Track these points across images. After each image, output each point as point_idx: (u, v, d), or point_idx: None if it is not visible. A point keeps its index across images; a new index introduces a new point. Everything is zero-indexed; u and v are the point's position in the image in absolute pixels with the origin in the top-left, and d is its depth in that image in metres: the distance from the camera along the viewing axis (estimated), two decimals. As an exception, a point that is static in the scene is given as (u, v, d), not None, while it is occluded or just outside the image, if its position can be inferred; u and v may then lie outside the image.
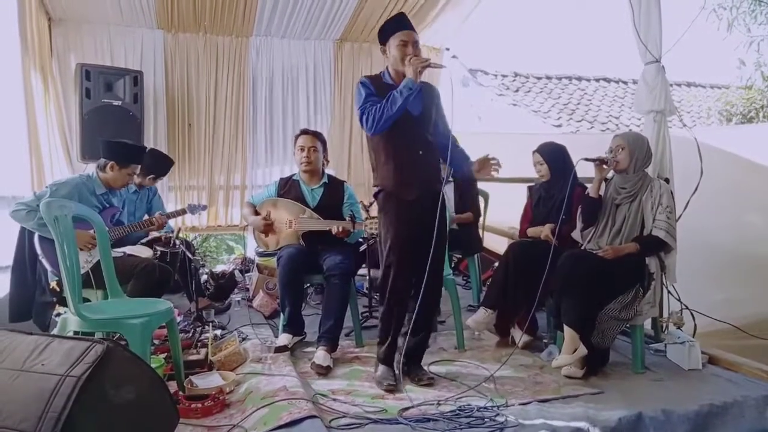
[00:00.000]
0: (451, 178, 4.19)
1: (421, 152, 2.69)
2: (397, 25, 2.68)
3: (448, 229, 3.07)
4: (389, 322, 2.73)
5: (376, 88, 2.65)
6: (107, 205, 3.30)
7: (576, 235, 3.14)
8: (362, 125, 2.63)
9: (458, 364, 2.93)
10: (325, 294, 3.25)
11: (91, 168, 3.91)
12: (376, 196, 2.80)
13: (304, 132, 3.54)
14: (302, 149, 3.47)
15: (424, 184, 2.70)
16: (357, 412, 2.31)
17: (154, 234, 3.71)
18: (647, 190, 2.94)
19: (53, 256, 2.99)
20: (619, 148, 2.96)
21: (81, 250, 2.90)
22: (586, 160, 2.99)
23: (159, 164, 4.16)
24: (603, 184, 3.06)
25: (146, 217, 4.00)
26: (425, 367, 2.79)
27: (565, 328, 2.74)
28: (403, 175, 2.67)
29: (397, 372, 2.70)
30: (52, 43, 4.98)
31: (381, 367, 2.71)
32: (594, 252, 2.91)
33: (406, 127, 2.63)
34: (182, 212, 3.90)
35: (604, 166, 2.99)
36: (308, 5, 5.37)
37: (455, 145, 2.77)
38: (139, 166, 3.50)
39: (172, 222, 4.28)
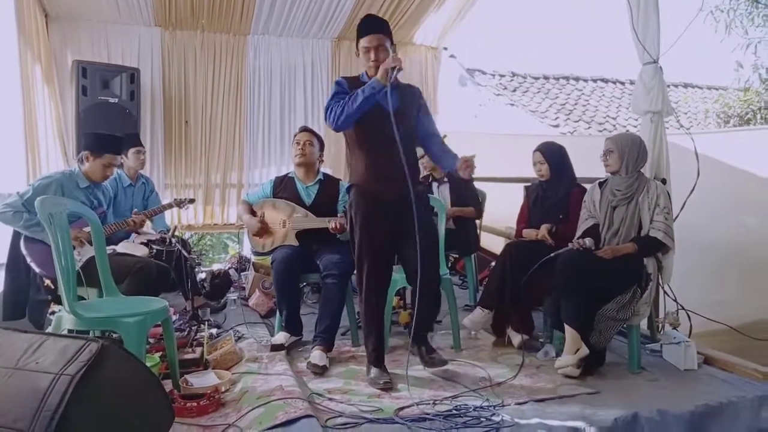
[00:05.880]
0: (446, 179, 4.20)
1: (395, 149, 2.67)
2: (363, 30, 2.70)
3: (438, 225, 3.05)
4: (369, 321, 2.73)
5: (351, 87, 2.67)
6: (94, 200, 3.26)
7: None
8: (326, 121, 2.69)
9: (454, 363, 2.92)
10: (321, 293, 3.24)
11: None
12: (348, 191, 2.82)
13: (303, 129, 3.58)
14: (298, 143, 3.49)
15: (400, 183, 2.64)
16: (353, 412, 2.30)
17: (147, 236, 3.68)
18: (644, 191, 2.94)
19: (39, 257, 2.96)
20: (609, 151, 2.98)
21: None
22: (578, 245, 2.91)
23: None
24: (602, 193, 3.06)
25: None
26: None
27: (567, 328, 2.74)
28: (378, 173, 2.69)
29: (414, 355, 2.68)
30: (48, 39, 4.96)
31: (373, 369, 2.69)
32: (592, 252, 2.91)
33: (384, 124, 2.59)
34: (168, 207, 3.87)
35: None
36: (306, 4, 5.37)
37: (443, 145, 2.84)
38: (118, 157, 3.38)
39: (168, 220, 4.27)
